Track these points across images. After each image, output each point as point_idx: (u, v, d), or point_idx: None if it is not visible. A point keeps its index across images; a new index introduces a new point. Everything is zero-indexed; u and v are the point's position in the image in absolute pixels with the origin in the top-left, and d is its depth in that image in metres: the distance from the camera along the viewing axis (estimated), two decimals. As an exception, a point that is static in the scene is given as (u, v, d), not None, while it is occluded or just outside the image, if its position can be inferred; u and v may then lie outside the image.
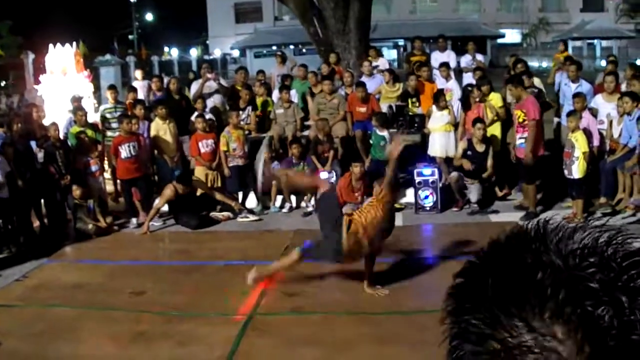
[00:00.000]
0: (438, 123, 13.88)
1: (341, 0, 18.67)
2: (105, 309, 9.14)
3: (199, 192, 13.37)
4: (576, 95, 13.00)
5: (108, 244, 12.47)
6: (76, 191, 12.83)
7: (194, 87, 16.11)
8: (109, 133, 14.76)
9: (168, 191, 12.95)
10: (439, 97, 13.95)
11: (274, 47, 44.91)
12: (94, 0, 55.15)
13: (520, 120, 12.24)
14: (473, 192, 12.89)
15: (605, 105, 12.95)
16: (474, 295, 0.86)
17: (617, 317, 0.77)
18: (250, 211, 13.47)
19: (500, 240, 0.91)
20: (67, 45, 17.42)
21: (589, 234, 0.87)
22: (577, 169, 11.83)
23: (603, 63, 35.04)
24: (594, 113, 12.94)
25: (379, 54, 19.16)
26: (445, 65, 15.76)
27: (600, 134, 12.75)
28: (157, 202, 13.27)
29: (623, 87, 13.51)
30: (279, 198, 13.88)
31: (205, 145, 13.87)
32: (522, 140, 12.26)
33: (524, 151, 12.18)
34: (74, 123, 14.31)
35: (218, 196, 13.28)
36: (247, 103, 15.20)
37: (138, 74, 18.50)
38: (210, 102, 15.67)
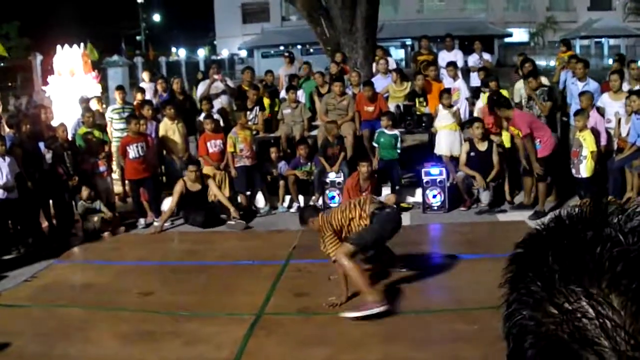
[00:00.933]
0: (444, 121, 13.88)
1: (348, -1, 18.68)
2: (113, 309, 9.16)
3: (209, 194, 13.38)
4: (582, 93, 13.02)
5: (116, 245, 12.51)
6: (84, 192, 12.87)
7: (201, 87, 16.15)
8: (116, 134, 14.80)
9: (178, 187, 13.01)
10: (443, 95, 13.95)
11: (282, 47, 44.92)
12: (101, 2, 55.26)
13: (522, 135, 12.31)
14: (484, 195, 12.88)
15: (611, 103, 12.92)
16: (534, 263, 0.90)
17: None
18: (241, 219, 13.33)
19: (563, 216, 0.95)
20: (75, 46, 17.44)
21: None
22: (585, 169, 11.83)
23: (611, 62, 35.00)
24: (601, 112, 12.92)
25: (386, 54, 19.15)
26: (452, 64, 15.77)
27: (608, 132, 12.75)
28: (169, 200, 13.36)
29: (626, 86, 13.47)
30: (287, 198, 13.89)
31: (213, 146, 13.91)
32: (537, 142, 12.30)
33: (538, 151, 12.21)
34: (82, 124, 14.35)
35: (220, 196, 13.28)
36: (255, 103, 15.21)
37: (145, 75, 18.54)
38: (218, 103, 15.65)
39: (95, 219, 12.74)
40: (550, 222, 0.96)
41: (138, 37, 61.91)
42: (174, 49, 55.38)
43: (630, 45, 51.35)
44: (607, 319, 0.80)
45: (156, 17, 66.18)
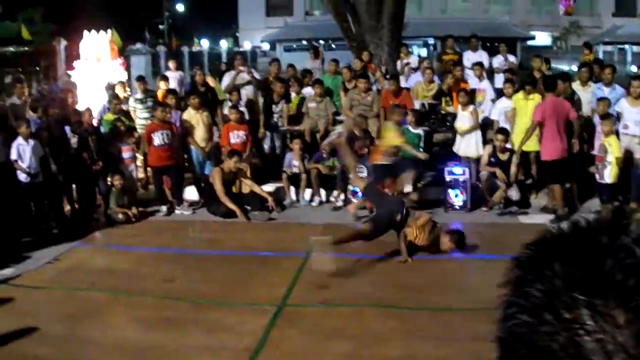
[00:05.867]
0: (463, 123, 13.92)
1: (375, -5, 18.69)
2: (134, 294, 9.22)
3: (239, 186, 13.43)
4: (600, 99, 13.05)
5: (137, 231, 12.54)
6: (117, 181, 12.92)
7: (227, 79, 16.07)
8: (140, 122, 14.88)
9: (217, 175, 12.99)
10: (459, 93, 14.12)
11: (304, 42, 44.88)
12: (126, -11, 55.36)
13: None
14: (513, 191, 12.84)
15: (630, 109, 12.89)
16: (540, 267, 0.85)
17: None
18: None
19: (579, 220, 0.90)
20: (102, 32, 17.48)
21: None
22: (609, 174, 11.78)
23: (634, 68, 34.81)
24: (619, 117, 12.92)
25: (410, 52, 19.20)
26: (478, 64, 15.79)
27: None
28: (192, 189, 13.86)
29: None
30: (308, 191, 13.89)
31: (236, 137, 13.93)
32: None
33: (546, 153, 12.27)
34: (108, 110, 14.43)
35: (255, 187, 13.30)
36: (281, 97, 15.23)
37: (171, 64, 18.58)
38: (244, 95, 15.63)
39: (120, 216, 12.78)
40: (565, 226, 0.90)
41: (161, 26, 62.00)
42: (196, 40, 55.37)
43: (653, 53, 51.08)
44: (608, 335, 0.75)
45: (180, 7, 66.28)
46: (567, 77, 14.34)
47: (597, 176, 12.12)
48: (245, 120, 14.38)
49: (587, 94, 13.50)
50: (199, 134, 14.10)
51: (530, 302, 0.82)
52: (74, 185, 13.18)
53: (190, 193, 14.00)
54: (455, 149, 14.07)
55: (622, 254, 0.79)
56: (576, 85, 13.95)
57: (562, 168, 12.33)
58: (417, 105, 14.93)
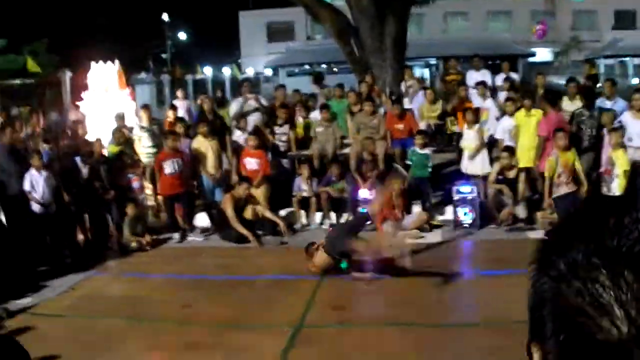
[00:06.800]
0: (468, 142, 14.08)
1: (377, 18, 18.80)
2: (152, 320, 9.32)
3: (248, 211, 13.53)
4: (605, 111, 13.19)
5: (151, 259, 12.69)
6: (130, 210, 13.08)
7: (235, 106, 16.24)
8: (147, 150, 15.00)
9: (229, 201, 13.14)
10: (466, 112, 14.30)
11: (307, 66, 45.11)
12: (128, 20, 55.62)
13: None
14: (520, 208, 13.00)
15: (633, 122, 12.99)
16: (562, 246, 1.00)
17: None
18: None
19: (595, 201, 1.07)
20: (109, 62, 17.60)
21: None
22: (617, 187, 11.91)
23: (635, 81, 34.90)
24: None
25: (413, 74, 19.39)
26: (482, 84, 15.95)
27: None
28: (203, 215, 13.95)
29: None
30: (319, 214, 14.03)
31: (251, 163, 14.07)
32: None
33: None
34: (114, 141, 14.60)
35: (267, 212, 13.45)
36: (285, 121, 15.42)
37: (179, 93, 18.79)
38: (251, 121, 15.84)
39: (134, 244, 12.94)
40: (579, 208, 1.07)
41: (164, 55, 62.21)
42: (199, 67, 55.57)
43: (654, 64, 51.18)
44: (621, 289, 0.89)
45: (182, 36, 66.52)
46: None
47: (604, 189, 12.24)
48: (259, 147, 14.46)
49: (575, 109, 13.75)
50: (209, 162, 14.26)
51: (559, 272, 0.97)
52: (86, 215, 13.33)
53: (202, 220, 14.15)
54: (462, 167, 14.22)
55: (626, 230, 0.96)
56: (564, 101, 14.13)
57: None
58: (423, 125, 15.11)
